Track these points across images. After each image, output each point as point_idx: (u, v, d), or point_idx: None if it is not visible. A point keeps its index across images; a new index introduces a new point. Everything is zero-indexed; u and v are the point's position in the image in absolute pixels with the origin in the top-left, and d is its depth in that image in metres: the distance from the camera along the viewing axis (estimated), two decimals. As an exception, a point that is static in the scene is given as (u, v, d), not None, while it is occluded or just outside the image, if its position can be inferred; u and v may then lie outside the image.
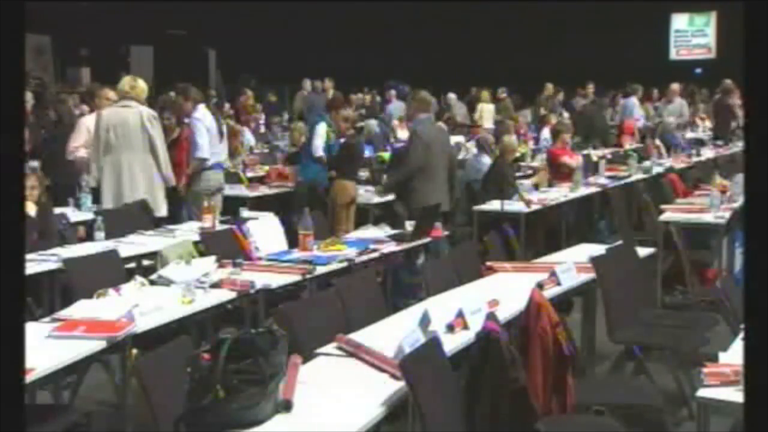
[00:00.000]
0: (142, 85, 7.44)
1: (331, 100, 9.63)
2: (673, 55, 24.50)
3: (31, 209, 5.87)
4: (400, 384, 3.22)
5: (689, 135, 14.50)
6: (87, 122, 7.79)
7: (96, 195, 7.28)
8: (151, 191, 7.23)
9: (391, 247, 6.12)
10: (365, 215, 8.27)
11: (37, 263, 5.23)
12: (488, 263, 5.57)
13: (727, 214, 7.11)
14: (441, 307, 4.23)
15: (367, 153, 10.69)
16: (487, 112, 15.87)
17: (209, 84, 19.88)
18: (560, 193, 8.72)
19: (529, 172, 10.68)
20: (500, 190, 8.02)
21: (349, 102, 15.01)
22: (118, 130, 7.17)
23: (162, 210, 7.28)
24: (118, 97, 7.47)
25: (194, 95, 7.74)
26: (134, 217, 6.77)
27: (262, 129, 15.16)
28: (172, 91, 9.42)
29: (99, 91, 8.02)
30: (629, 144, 13.30)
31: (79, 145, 7.68)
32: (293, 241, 5.86)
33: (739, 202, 7.33)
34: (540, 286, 4.66)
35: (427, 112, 7.82)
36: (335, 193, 8.03)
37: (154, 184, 7.27)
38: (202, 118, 7.55)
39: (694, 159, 11.87)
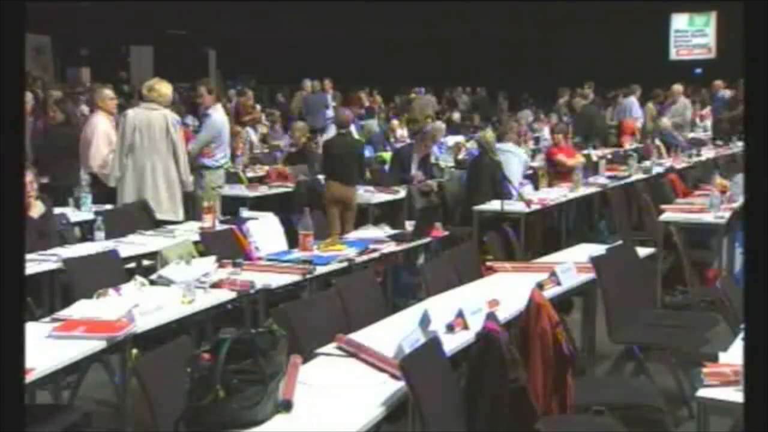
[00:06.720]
0: (161, 89, 7.40)
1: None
2: (673, 55, 24.47)
3: (35, 209, 5.85)
4: (400, 384, 3.21)
5: (690, 135, 14.47)
6: (105, 128, 7.75)
7: (110, 194, 7.28)
8: (171, 194, 7.28)
9: (391, 247, 6.11)
10: (365, 215, 8.26)
11: (37, 263, 5.22)
12: (488, 263, 5.57)
13: (727, 214, 7.10)
14: (441, 307, 4.23)
15: (367, 153, 10.66)
16: None
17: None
18: (560, 193, 8.71)
19: (529, 172, 10.68)
20: (499, 191, 8.00)
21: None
22: (144, 132, 7.20)
23: (179, 214, 7.31)
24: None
25: (216, 92, 8.00)
26: (134, 217, 6.77)
27: (263, 129, 15.14)
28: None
29: (98, 91, 8.05)
30: (629, 144, 13.29)
31: (109, 151, 7.60)
32: (293, 241, 5.86)
33: (739, 202, 7.32)
34: (540, 286, 4.66)
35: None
36: (325, 194, 8.10)
37: (174, 188, 7.31)
38: (216, 116, 7.77)
39: (694, 159, 11.86)
